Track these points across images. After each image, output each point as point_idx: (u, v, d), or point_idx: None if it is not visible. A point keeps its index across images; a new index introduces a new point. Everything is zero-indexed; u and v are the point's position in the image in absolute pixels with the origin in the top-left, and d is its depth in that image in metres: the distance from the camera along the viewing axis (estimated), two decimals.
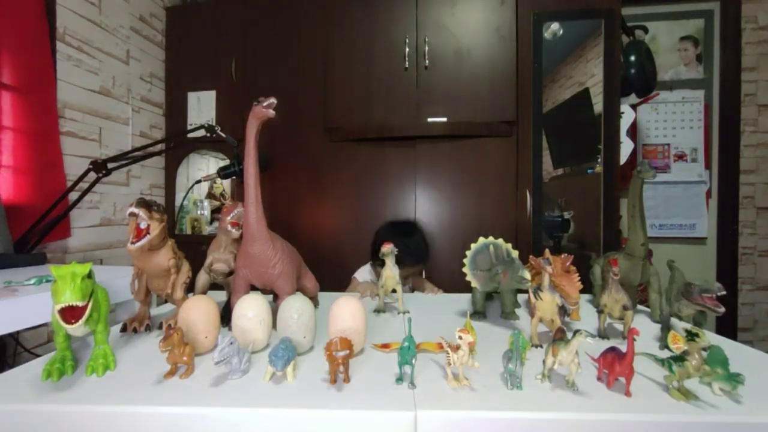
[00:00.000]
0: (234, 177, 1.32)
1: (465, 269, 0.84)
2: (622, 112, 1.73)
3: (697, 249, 2.35)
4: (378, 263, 1.40)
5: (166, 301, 0.82)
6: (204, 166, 2.11)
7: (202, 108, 2.01)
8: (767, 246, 2.30)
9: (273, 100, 0.69)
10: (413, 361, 0.53)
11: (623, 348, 0.51)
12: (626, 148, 1.76)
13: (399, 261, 1.01)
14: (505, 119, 1.75)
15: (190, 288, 0.79)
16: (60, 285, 0.48)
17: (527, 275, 0.72)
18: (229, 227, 0.80)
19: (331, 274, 1.20)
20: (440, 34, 1.77)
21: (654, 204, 2.35)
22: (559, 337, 0.55)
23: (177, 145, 2.04)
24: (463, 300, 1.04)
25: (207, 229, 2.05)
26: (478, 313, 0.87)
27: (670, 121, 2.36)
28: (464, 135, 1.78)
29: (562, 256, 0.80)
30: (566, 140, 1.76)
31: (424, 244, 1.49)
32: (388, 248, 0.91)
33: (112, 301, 0.73)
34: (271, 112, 0.69)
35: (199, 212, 2.07)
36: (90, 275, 0.52)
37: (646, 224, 0.85)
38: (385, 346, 0.67)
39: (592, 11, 1.72)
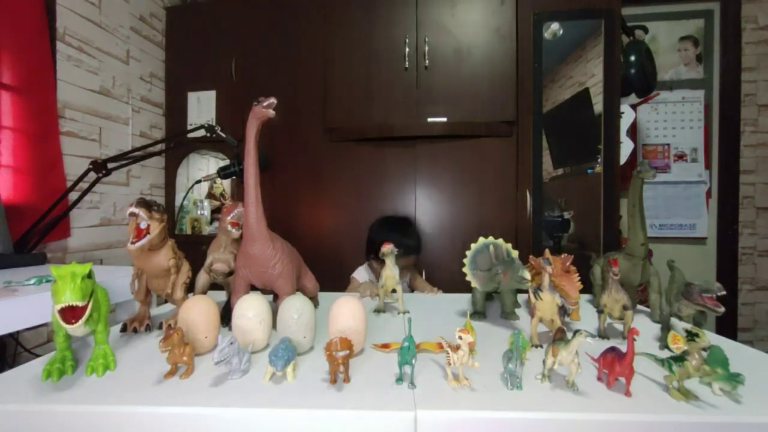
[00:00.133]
0: (234, 177, 1.32)
1: (465, 269, 0.84)
2: (622, 112, 1.73)
3: (697, 249, 2.35)
4: (372, 257, 1.47)
5: (166, 301, 0.82)
6: (204, 166, 2.11)
7: (202, 108, 2.01)
8: (767, 246, 2.30)
9: (273, 100, 0.69)
10: (413, 361, 0.53)
11: (623, 348, 0.51)
12: (626, 148, 1.76)
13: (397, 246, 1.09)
14: (505, 119, 1.75)
15: (190, 288, 0.79)
16: (60, 285, 0.48)
17: (527, 275, 0.72)
18: (229, 227, 0.80)
19: (331, 274, 1.20)
20: (440, 34, 1.77)
21: (654, 204, 2.35)
22: (559, 337, 0.55)
23: (177, 145, 2.04)
24: (463, 300, 1.04)
25: (207, 229, 2.05)
26: (478, 313, 0.87)
27: (670, 121, 2.36)
28: (464, 135, 1.78)
29: (562, 256, 0.80)
30: (566, 140, 1.76)
31: (416, 235, 1.56)
32: (388, 248, 0.91)
33: (112, 301, 0.73)
34: (271, 112, 0.69)
35: (199, 212, 2.07)
36: (90, 275, 0.52)
37: (646, 224, 0.85)
38: (385, 346, 0.67)
39: (592, 11, 1.72)
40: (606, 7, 1.70)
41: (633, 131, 2.05)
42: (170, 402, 0.48)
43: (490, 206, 1.79)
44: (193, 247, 1.24)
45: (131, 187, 1.85)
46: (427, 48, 1.76)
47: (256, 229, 0.70)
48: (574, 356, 0.51)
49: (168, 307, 0.95)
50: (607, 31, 1.69)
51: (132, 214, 0.66)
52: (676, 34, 2.37)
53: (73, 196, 1.30)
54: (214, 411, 0.47)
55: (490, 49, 1.75)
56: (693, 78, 2.35)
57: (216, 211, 2.06)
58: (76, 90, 1.56)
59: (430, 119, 1.77)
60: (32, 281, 0.88)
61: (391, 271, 0.90)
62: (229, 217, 0.80)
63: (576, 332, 0.51)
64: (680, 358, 0.50)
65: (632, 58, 1.84)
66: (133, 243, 0.66)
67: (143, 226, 0.67)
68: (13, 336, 1.23)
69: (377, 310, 0.92)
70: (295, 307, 0.63)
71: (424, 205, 1.84)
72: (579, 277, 0.74)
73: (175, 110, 2.05)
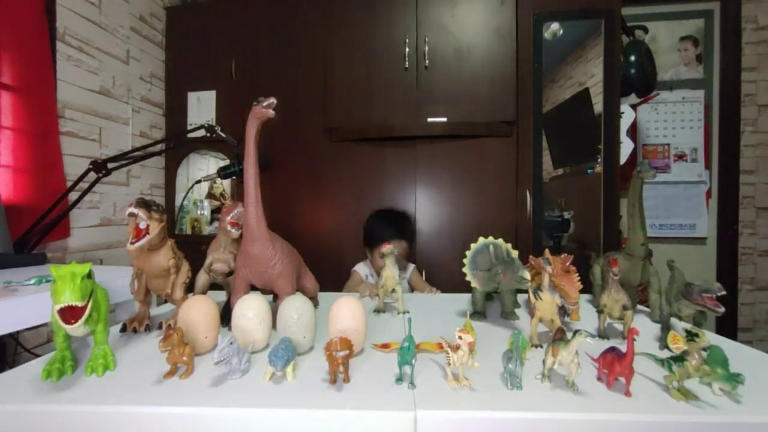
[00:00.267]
0: (234, 177, 1.32)
1: (465, 269, 0.84)
2: (622, 112, 1.73)
3: (697, 249, 2.35)
4: (367, 248, 1.55)
5: (166, 301, 0.82)
6: (204, 166, 2.10)
7: (202, 108, 2.01)
8: (767, 246, 2.30)
9: (273, 100, 0.69)
10: (413, 361, 0.53)
11: (623, 348, 0.51)
12: (626, 148, 1.76)
13: (386, 230, 1.43)
14: (505, 119, 1.75)
15: (189, 288, 0.79)
16: (60, 285, 0.48)
17: (527, 275, 0.72)
18: (229, 227, 0.80)
19: (331, 274, 1.20)
20: (440, 34, 1.77)
21: (654, 204, 2.35)
22: (559, 337, 0.55)
23: (177, 145, 2.04)
24: (463, 300, 1.04)
25: (207, 229, 2.05)
26: (478, 313, 0.87)
27: (670, 121, 2.36)
28: (464, 135, 1.78)
29: (562, 256, 0.80)
30: (566, 140, 1.76)
31: (407, 221, 1.66)
32: (388, 248, 0.91)
33: (112, 301, 0.73)
34: (271, 112, 0.69)
35: (199, 212, 2.07)
36: (90, 275, 0.52)
37: (646, 224, 0.85)
38: (385, 346, 0.67)
39: (592, 11, 1.72)
40: (606, 7, 1.70)
41: (633, 131, 2.05)
42: (170, 402, 0.48)
43: (490, 206, 1.79)
44: (193, 247, 1.24)
45: (131, 187, 1.85)
46: (427, 48, 1.76)
47: (256, 229, 0.70)
48: (574, 356, 0.51)
49: (168, 307, 0.95)
50: (607, 31, 1.69)
51: (131, 214, 0.66)
52: (676, 34, 2.37)
53: (73, 196, 1.30)
54: (214, 411, 0.47)
55: (490, 49, 1.75)
56: (693, 78, 2.35)
57: (216, 211, 2.06)
58: (76, 90, 1.56)
59: (430, 119, 1.77)
60: (32, 281, 0.88)
61: (391, 271, 0.90)
62: (228, 217, 0.81)
63: (576, 332, 0.51)
64: (680, 358, 0.50)
65: (632, 58, 1.84)
66: (132, 243, 0.66)
67: (143, 226, 0.67)
68: (13, 336, 1.23)
69: (377, 310, 0.92)
70: (295, 307, 0.63)
71: (424, 205, 1.84)
72: (579, 277, 0.74)
73: (175, 110, 2.05)
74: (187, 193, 1.97)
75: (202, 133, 1.48)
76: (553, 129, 1.75)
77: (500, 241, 0.81)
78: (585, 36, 1.73)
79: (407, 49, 1.77)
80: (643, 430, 0.45)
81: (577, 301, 0.74)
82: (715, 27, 2.33)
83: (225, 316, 0.77)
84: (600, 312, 0.74)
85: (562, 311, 0.70)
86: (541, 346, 0.67)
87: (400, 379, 0.54)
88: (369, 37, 1.81)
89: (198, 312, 0.64)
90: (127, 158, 1.36)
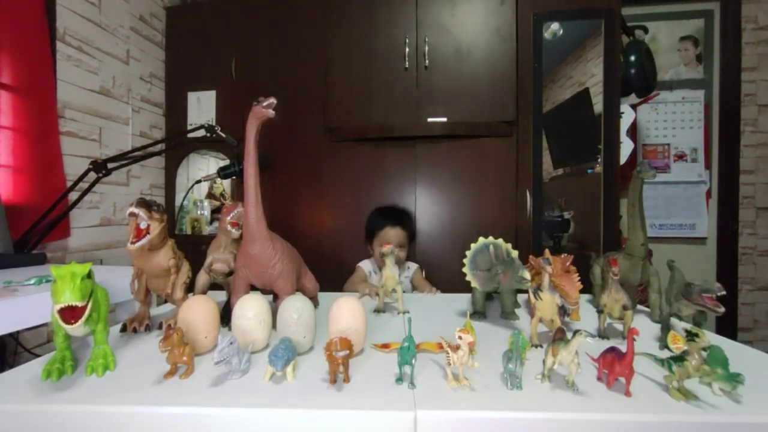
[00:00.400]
0: (234, 177, 1.32)
1: (465, 269, 0.84)
2: (622, 112, 1.73)
3: (697, 249, 2.35)
4: (369, 241, 1.59)
5: (166, 301, 0.82)
6: (204, 166, 2.10)
7: (202, 108, 2.01)
8: (767, 246, 2.30)
9: (273, 100, 0.69)
10: (413, 361, 0.53)
11: (623, 348, 0.51)
12: (626, 148, 1.76)
13: (386, 218, 1.51)
14: (505, 119, 1.75)
15: (190, 288, 0.79)
16: (60, 285, 0.48)
17: (527, 275, 0.72)
18: (229, 227, 0.80)
19: (331, 274, 1.20)
20: (440, 34, 1.77)
21: (654, 204, 2.35)
22: (559, 337, 0.55)
23: (177, 145, 2.04)
24: (463, 300, 1.04)
25: (207, 229, 2.05)
26: (478, 313, 0.87)
27: (670, 121, 2.36)
28: (464, 135, 1.78)
29: (562, 256, 0.80)
30: (566, 140, 1.76)
31: (407, 213, 1.73)
32: (388, 248, 0.91)
33: (112, 301, 0.73)
34: (271, 112, 0.69)
35: (199, 212, 2.07)
36: (90, 275, 0.52)
37: (646, 224, 0.85)
38: (385, 346, 0.67)
39: (592, 11, 1.72)
40: (606, 7, 1.70)
41: (633, 131, 2.05)
42: (170, 402, 0.48)
43: (490, 206, 1.79)
44: (193, 247, 1.24)
45: (131, 187, 1.85)
46: (427, 48, 1.76)
47: (256, 229, 0.70)
48: (574, 356, 0.51)
49: (168, 307, 0.95)
50: (607, 31, 1.69)
51: (132, 214, 0.66)
52: (676, 34, 2.37)
53: (73, 196, 1.30)
54: (214, 411, 0.47)
55: (490, 49, 1.75)
56: (693, 78, 2.35)
57: (216, 211, 2.06)
58: (76, 90, 1.56)
59: (430, 119, 1.77)
60: (32, 281, 0.88)
61: (391, 271, 0.90)
62: (228, 217, 0.81)
63: (576, 332, 0.51)
64: (680, 358, 0.50)
65: (632, 58, 1.84)
66: (132, 243, 0.66)
67: (143, 226, 0.67)
68: (13, 336, 1.23)
69: (377, 310, 0.92)
70: (295, 307, 0.63)
71: (424, 205, 1.84)
72: (579, 277, 0.74)
73: (175, 110, 2.05)
74: (187, 193, 1.97)
75: (202, 133, 1.48)
76: (553, 129, 1.75)
77: (500, 241, 0.81)
78: (585, 36, 1.73)
79: (407, 49, 1.77)
80: (643, 430, 0.45)
81: (577, 301, 0.74)
82: (715, 27, 2.33)
83: (225, 316, 0.77)
84: (600, 312, 0.74)
85: (562, 311, 0.70)
86: (541, 346, 0.67)
87: (400, 379, 0.54)
88: (369, 37, 1.81)
89: (198, 312, 0.64)
90: (127, 158, 1.36)
